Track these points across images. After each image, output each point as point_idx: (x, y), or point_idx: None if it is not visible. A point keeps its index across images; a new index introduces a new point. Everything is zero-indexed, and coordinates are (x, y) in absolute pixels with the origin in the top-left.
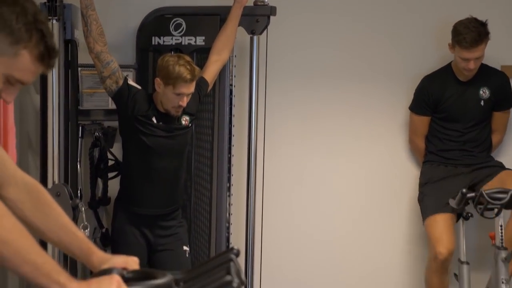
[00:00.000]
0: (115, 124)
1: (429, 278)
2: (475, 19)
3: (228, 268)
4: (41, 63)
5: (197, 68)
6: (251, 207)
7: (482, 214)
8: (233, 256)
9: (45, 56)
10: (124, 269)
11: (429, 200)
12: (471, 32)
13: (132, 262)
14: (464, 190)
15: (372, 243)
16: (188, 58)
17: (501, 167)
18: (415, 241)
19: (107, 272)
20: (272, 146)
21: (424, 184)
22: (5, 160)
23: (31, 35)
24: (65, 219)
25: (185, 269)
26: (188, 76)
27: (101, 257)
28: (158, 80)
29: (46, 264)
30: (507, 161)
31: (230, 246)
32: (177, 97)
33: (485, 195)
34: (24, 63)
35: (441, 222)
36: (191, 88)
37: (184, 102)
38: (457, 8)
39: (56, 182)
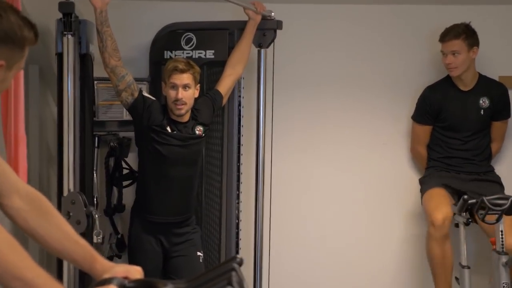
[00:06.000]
0: (130, 134)
1: (430, 248)
2: (462, 23)
3: (230, 278)
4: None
5: (192, 64)
6: (260, 214)
7: (483, 220)
8: (235, 265)
9: (36, 37)
10: (126, 278)
11: (429, 180)
12: (450, 28)
13: (134, 271)
14: (465, 197)
15: (377, 249)
16: (188, 60)
17: (498, 183)
18: (419, 247)
19: (106, 281)
20: (279, 154)
21: (427, 175)
22: (6, 171)
23: (29, 34)
24: (67, 227)
25: (187, 278)
26: (180, 66)
27: (104, 265)
28: (163, 84)
29: (37, 278)
30: (504, 169)
31: (235, 255)
32: (173, 91)
33: (486, 201)
34: (26, 54)
35: (437, 194)
36: (184, 80)
37: (179, 94)
38: (459, 20)
39: (72, 190)
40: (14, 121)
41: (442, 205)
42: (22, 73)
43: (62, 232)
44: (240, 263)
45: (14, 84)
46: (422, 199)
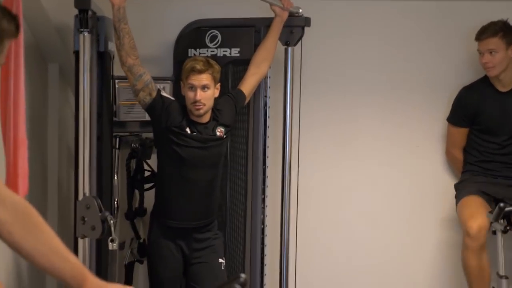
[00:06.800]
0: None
1: (466, 259)
2: (500, 20)
3: None
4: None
5: (212, 62)
6: (286, 219)
7: None
8: (237, 287)
9: (17, 30)
10: None
11: (464, 186)
12: (486, 26)
13: None
14: (501, 204)
15: (411, 257)
16: (208, 58)
17: None
18: (451, 251)
19: None
20: (307, 157)
21: (463, 180)
22: None
23: (8, 25)
24: (57, 241)
25: None
26: (197, 67)
27: (95, 285)
28: (181, 84)
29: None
30: None
31: (238, 274)
32: (191, 92)
33: None
34: (6, 47)
35: (472, 202)
36: (202, 80)
37: (198, 95)
38: (499, 17)
39: (87, 194)
40: (14, 123)
41: (477, 214)
42: (22, 71)
43: (50, 248)
44: (244, 284)
45: (14, 84)
46: (456, 207)
